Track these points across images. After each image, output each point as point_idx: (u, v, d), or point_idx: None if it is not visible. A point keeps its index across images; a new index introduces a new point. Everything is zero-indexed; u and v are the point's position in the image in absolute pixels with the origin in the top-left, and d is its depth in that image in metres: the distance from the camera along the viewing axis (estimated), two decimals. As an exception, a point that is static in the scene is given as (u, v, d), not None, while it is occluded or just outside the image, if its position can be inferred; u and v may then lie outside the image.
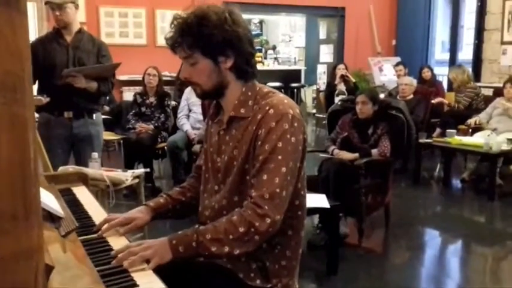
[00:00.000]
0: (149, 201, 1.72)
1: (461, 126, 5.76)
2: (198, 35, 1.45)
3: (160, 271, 1.32)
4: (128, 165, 4.79)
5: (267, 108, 1.47)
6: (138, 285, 1.18)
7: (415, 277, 3.38)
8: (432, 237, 4.19)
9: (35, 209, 0.66)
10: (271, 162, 1.43)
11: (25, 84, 0.65)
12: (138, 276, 1.24)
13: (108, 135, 5.70)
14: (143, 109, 5.25)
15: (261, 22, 12.31)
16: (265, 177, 1.42)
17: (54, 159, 3.17)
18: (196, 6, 1.49)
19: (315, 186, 3.61)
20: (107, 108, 6.17)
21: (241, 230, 1.39)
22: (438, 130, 6.01)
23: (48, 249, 1.10)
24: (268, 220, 1.39)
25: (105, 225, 1.54)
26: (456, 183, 5.58)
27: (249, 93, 1.54)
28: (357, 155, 3.86)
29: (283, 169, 1.43)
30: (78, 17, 3.33)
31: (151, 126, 5.09)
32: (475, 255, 3.85)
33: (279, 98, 1.51)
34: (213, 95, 1.58)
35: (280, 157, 1.43)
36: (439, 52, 10.32)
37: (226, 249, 1.39)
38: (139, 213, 1.64)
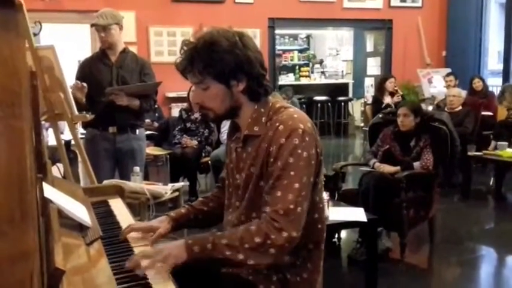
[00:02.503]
0: (171, 211, 1.77)
1: (516, 139, 5.51)
2: (208, 61, 1.46)
3: (180, 280, 1.34)
4: (173, 179, 4.92)
5: (277, 124, 1.48)
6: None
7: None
8: (483, 254, 4.02)
9: (31, 214, 0.72)
10: (283, 178, 1.43)
11: (22, 100, 0.71)
12: (156, 285, 1.28)
13: (155, 150, 5.89)
14: (188, 124, 5.38)
15: (308, 37, 12.32)
16: (278, 193, 1.42)
17: (100, 172, 3.32)
18: (206, 31, 1.51)
19: (355, 200, 3.58)
20: (155, 124, 6.38)
21: (257, 240, 1.39)
22: (493, 143, 5.73)
23: (67, 256, 1.17)
24: (284, 234, 1.39)
25: (128, 229, 1.62)
26: (509, 197, 5.34)
27: (262, 110, 1.55)
28: (398, 168, 3.78)
29: (297, 185, 1.42)
30: (122, 37, 3.48)
31: (195, 141, 5.21)
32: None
33: (289, 113, 1.50)
34: (227, 117, 1.61)
35: (292, 173, 1.43)
36: (495, 62, 9.95)
37: (241, 256, 1.39)
38: (160, 222, 1.69)
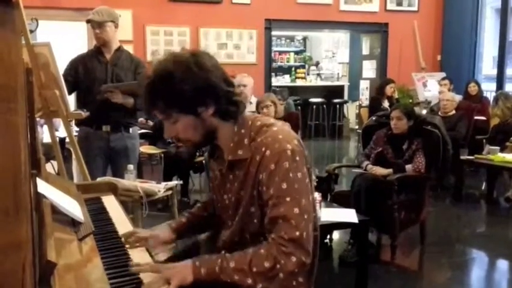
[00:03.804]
0: (171, 221, 1.76)
1: (508, 143, 5.56)
2: (168, 96, 1.39)
3: None
4: (167, 178, 4.92)
5: (263, 149, 1.41)
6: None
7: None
8: (474, 257, 4.04)
9: (25, 206, 0.74)
10: (281, 206, 1.37)
11: (17, 95, 0.73)
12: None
13: (150, 149, 5.89)
14: (183, 124, 5.39)
15: (304, 39, 12.36)
16: (280, 222, 1.37)
17: (93, 170, 3.32)
18: (159, 62, 1.42)
19: (347, 201, 3.61)
20: (150, 122, 6.38)
21: (266, 265, 1.35)
22: (487, 147, 5.76)
23: (59, 250, 1.19)
24: (293, 259, 1.35)
25: (132, 238, 1.60)
26: (501, 201, 5.39)
27: (242, 131, 1.48)
28: (390, 170, 3.82)
29: (296, 210, 1.37)
30: (117, 36, 3.49)
31: (190, 141, 5.22)
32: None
33: (273, 134, 1.43)
34: (206, 143, 1.55)
35: (288, 199, 1.37)
36: (490, 68, 10.01)
37: (249, 281, 1.35)
38: (162, 232, 1.68)
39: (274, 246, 1.36)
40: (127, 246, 1.57)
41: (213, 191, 1.65)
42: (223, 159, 1.53)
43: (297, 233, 1.35)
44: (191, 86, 1.37)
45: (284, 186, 1.37)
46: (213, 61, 1.45)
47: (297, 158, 1.40)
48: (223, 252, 1.44)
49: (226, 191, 1.55)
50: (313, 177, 1.56)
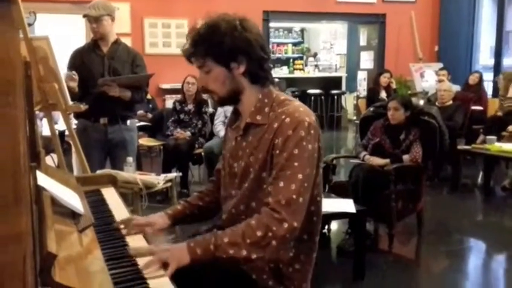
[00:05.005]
0: (167, 208, 1.79)
1: (504, 133, 5.59)
2: (209, 44, 1.51)
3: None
4: (166, 171, 4.94)
5: (283, 117, 1.50)
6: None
7: (447, 285, 3.31)
8: (470, 246, 4.09)
9: (24, 198, 0.76)
10: (287, 169, 1.44)
11: (16, 89, 0.75)
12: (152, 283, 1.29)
13: (149, 141, 5.92)
14: (182, 116, 5.41)
15: (302, 30, 12.34)
16: (281, 184, 1.44)
17: (92, 163, 3.34)
18: (208, 17, 1.56)
19: (345, 192, 3.64)
20: (149, 115, 6.40)
21: (258, 234, 1.40)
22: (482, 137, 5.82)
23: (60, 241, 1.21)
24: (285, 225, 1.41)
25: (126, 222, 1.64)
26: (497, 191, 5.42)
27: (266, 100, 1.57)
28: (387, 160, 3.84)
29: (300, 176, 1.44)
30: (114, 29, 3.49)
31: (188, 133, 5.24)
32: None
33: (295, 106, 1.53)
34: (230, 101, 1.62)
35: (296, 164, 1.44)
36: (487, 57, 10.02)
37: (244, 252, 1.40)
38: (159, 218, 1.72)
39: (266, 215, 1.42)
40: (123, 232, 1.61)
41: (223, 166, 1.69)
42: (240, 128, 1.61)
43: (294, 196, 1.43)
44: (231, 40, 1.50)
45: (296, 151, 1.46)
46: (257, 30, 1.58)
47: (312, 132, 1.49)
48: (215, 230, 1.50)
49: (238, 159, 1.60)
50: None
